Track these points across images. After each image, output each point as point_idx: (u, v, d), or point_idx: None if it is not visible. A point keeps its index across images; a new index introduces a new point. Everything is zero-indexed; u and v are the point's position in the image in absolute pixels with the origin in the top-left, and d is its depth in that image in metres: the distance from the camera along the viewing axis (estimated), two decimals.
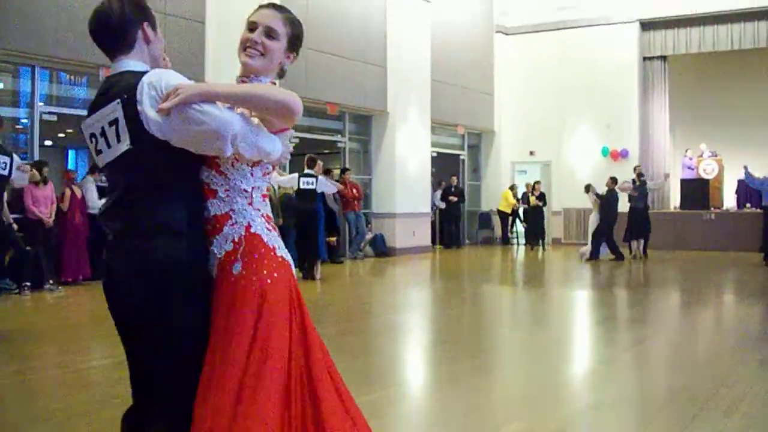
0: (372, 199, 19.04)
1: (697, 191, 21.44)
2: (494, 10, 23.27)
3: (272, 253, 2.62)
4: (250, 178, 2.64)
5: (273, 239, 2.65)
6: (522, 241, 22.74)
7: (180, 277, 2.48)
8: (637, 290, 12.56)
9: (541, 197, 21.66)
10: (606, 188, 17.44)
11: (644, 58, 22.66)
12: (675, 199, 22.64)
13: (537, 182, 21.93)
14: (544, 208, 21.71)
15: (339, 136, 18.43)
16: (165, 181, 2.54)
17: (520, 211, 22.51)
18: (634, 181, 17.49)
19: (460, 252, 20.60)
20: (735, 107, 24.30)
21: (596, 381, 6.15)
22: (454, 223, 21.72)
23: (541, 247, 20.96)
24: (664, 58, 22.77)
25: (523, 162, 23.83)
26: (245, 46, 2.74)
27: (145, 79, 2.48)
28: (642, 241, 17.56)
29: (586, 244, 17.23)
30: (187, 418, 2.49)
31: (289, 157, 2.80)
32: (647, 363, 6.97)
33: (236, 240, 2.58)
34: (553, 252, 20.78)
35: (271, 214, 2.76)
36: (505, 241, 22.52)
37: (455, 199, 21.14)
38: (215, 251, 2.60)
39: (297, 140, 17.12)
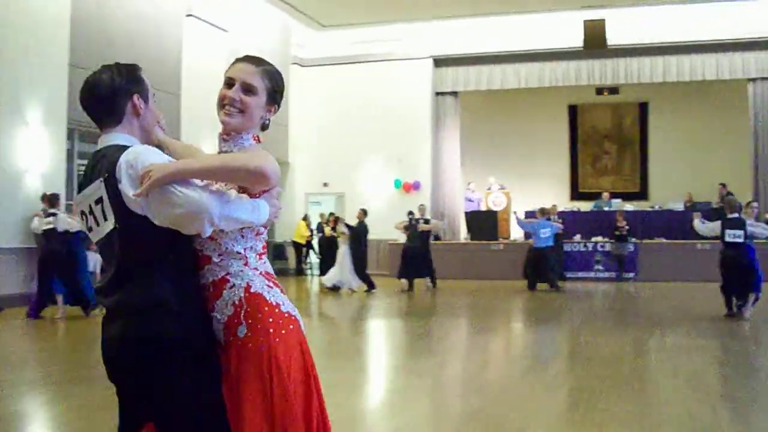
0: None
1: (486, 222, 23.29)
2: (291, 42, 24.31)
3: (277, 311, 2.79)
4: (241, 240, 2.80)
5: (275, 296, 2.82)
6: (316, 272, 23.74)
7: (172, 353, 2.64)
8: (429, 319, 13.24)
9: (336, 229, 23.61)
10: (357, 220, 18.79)
11: (437, 94, 24.56)
12: (463, 230, 24.53)
13: (331, 214, 23.76)
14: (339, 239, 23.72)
15: None
16: (154, 257, 2.69)
17: (314, 242, 23.80)
18: (410, 220, 18.57)
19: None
20: (521, 142, 27.22)
21: (392, 409, 6.67)
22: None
23: None
24: (455, 93, 24.81)
25: (317, 193, 25.06)
26: (223, 103, 2.89)
27: (122, 157, 2.65)
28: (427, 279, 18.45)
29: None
30: None
31: (278, 215, 2.90)
32: (441, 389, 7.62)
33: (236, 302, 2.76)
34: None
35: (271, 271, 2.92)
36: (299, 272, 23.71)
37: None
38: (218, 316, 2.78)
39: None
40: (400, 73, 24.11)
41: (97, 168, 2.74)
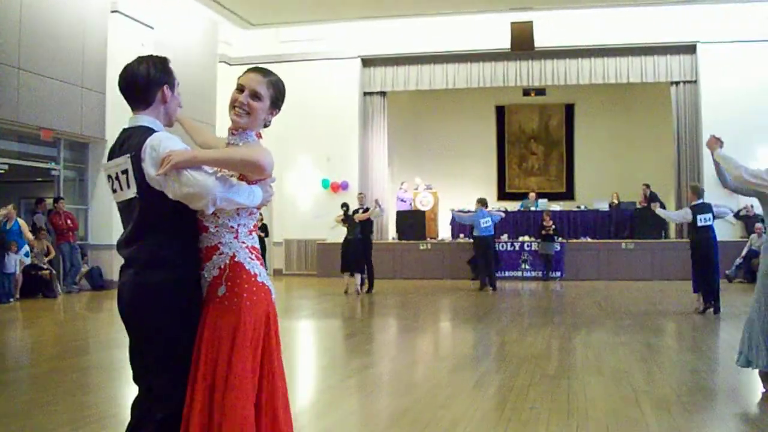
0: (88, 230, 19.15)
1: (414, 222, 23.47)
2: (218, 40, 24.07)
3: (253, 279, 3.42)
4: (236, 218, 3.42)
5: (254, 267, 3.44)
6: None
7: (169, 298, 3.30)
8: (357, 319, 13.38)
9: (263, 228, 23.58)
10: None
11: (364, 93, 24.61)
12: (393, 230, 24.60)
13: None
14: (266, 239, 23.59)
15: (53, 163, 18.33)
16: (163, 223, 3.33)
17: None
18: (345, 212, 17.68)
19: None
20: (449, 142, 27.42)
21: (321, 409, 6.70)
22: None
23: None
24: (383, 93, 24.85)
25: None
26: (234, 105, 3.55)
27: (148, 141, 3.28)
28: (358, 276, 17.42)
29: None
30: (176, 409, 3.32)
31: (270, 199, 3.55)
32: (370, 389, 7.61)
33: (222, 267, 3.37)
34: (275, 283, 22.14)
35: (257, 246, 3.54)
36: None
37: None
38: (205, 275, 3.40)
39: (6, 167, 17.37)
40: (328, 73, 24.08)
41: (126, 144, 3.39)
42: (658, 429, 5.74)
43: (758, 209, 21.07)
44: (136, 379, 3.58)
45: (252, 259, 3.47)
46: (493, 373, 8.09)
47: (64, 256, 17.78)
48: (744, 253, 19.80)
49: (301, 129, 23.48)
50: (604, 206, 23.79)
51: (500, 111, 28.61)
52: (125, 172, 3.37)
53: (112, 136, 18.44)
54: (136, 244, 3.38)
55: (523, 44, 22.83)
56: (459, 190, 26.12)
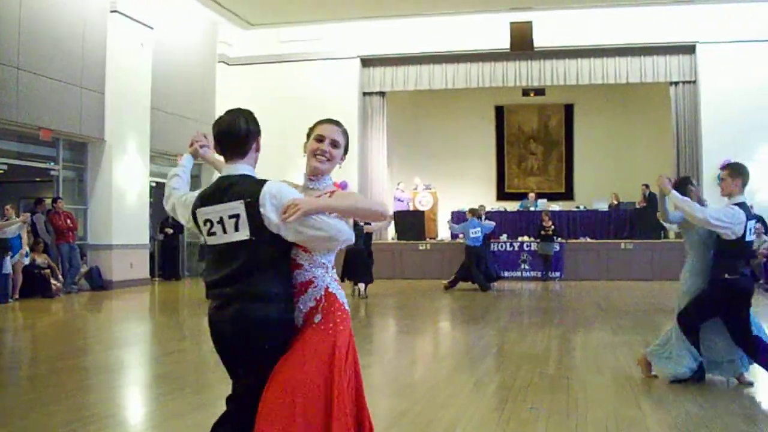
0: (88, 230, 19.14)
1: (414, 222, 23.46)
2: (217, 40, 24.22)
3: (343, 308, 3.74)
4: (326, 255, 3.74)
5: (342, 297, 3.77)
6: None
7: (275, 329, 3.59)
8: (356, 320, 13.01)
9: None
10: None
11: (364, 93, 24.60)
12: (392, 230, 24.38)
13: None
14: None
15: (52, 163, 18.34)
16: (269, 262, 3.60)
17: None
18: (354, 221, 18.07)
19: (179, 284, 20.98)
20: (448, 142, 27.50)
21: None
22: (173, 255, 22.39)
23: None
24: (382, 94, 24.87)
25: None
26: (316, 153, 3.85)
27: (266, 189, 3.54)
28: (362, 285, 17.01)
29: None
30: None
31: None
32: (369, 389, 7.18)
33: (317, 298, 3.67)
34: None
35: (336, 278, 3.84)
36: None
37: (171, 231, 21.73)
38: (300, 307, 3.67)
39: (5, 167, 17.46)
40: (327, 73, 24.05)
41: (232, 190, 3.63)
42: (657, 429, 5.74)
43: (757, 210, 21.08)
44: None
45: (340, 290, 3.80)
46: (493, 373, 8.10)
47: (63, 256, 17.74)
48: None
49: (301, 129, 22.81)
50: (604, 206, 23.81)
51: (499, 111, 28.64)
52: (235, 216, 3.61)
53: (111, 136, 18.61)
54: (244, 282, 3.61)
55: (522, 44, 22.84)
56: (458, 190, 26.15)
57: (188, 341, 11.23)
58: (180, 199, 4.00)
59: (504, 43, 22.92)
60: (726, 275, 7.19)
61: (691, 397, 6.85)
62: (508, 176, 28.63)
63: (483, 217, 19.79)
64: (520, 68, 23.91)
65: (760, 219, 20.42)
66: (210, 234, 3.71)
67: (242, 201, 3.58)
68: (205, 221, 3.72)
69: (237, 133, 3.73)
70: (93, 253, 19.08)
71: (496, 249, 22.01)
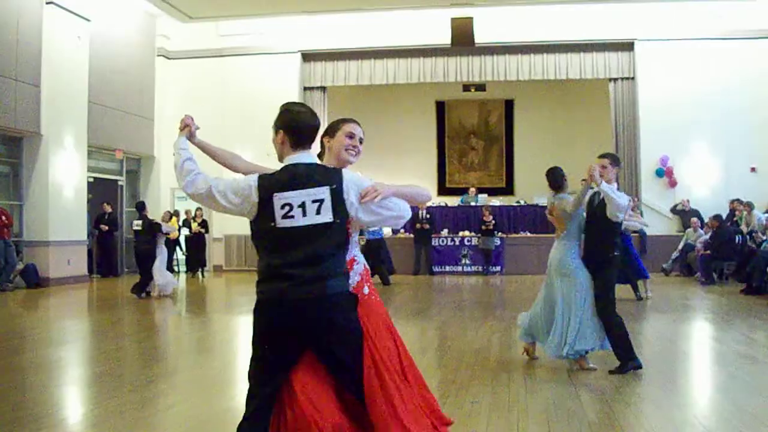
0: (23, 227, 18.79)
1: None
2: (156, 33, 24.00)
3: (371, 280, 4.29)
4: (356, 236, 4.20)
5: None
6: (183, 268, 23.66)
7: (350, 304, 3.92)
8: None
9: (203, 224, 23.43)
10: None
11: (305, 88, 24.48)
12: None
13: (198, 209, 23.49)
14: (206, 235, 23.23)
15: None
16: (343, 243, 3.96)
17: (181, 239, 23.22)
18: None
19: (117, 281, 20.65)
20: (389, 138, 27.39)
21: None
22: (111, 251, 22.03)
23: (201, 274, 22.53)
24: (323, 89, 24.78)
25: None
26: (347, 148, 4.26)
27: (347, 177, 3.93)
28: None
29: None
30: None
31: None
32: None
33: (361, 273, 4.17)
34: (215, 279, 21.86)
35: None
36: (168, 268, 23.56)
37: (107, 227, 21.29)
38: (349, 282, 4.01)
39: None
40: (268, 67, 23.90)
41: (316, 177, 3.91)
42: (597, 420, 5.84)
43: (693, 204, 21.57)
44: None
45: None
46: (435, 368, 8.12)
47: None
48: (680, 246, 20.18)
49: (241, 124, 23.33)
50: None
51: (440, 106, 28.78)
52: (319, 201, 3.88)
53: (47, 130, 18.28)
54: (326, 261, 3.88)
55: (463, 40, 22.97)
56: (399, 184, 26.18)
57: (127, 339, 11.08)
58: (226, 184, 4.00)
59: (445, 38, 23.05)
60: (615, 252, 7.88)
61: (630, 389, 6.97)
62: (449, 171, 28.79)
63: None
64: (461, 64, 24.05)
65: (695, 213, 20.91)
66: (286, 217, 3.87)
67: (328, 187, 3.88)
68: (284, 205, 3.87)
69: (316, 125, 4.08)
70: (29, 249, 18.77)
71: (437, 244, 22.15)
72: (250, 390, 4.01)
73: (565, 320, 7.80)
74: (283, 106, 4.17)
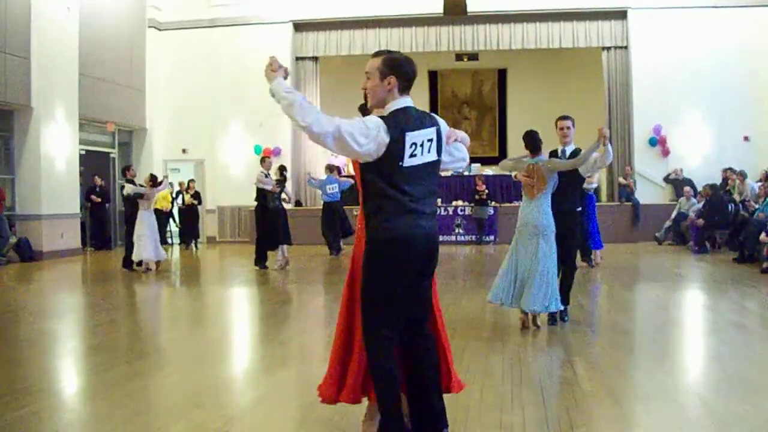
0: (15, 200, 18.74)
1: (351, 187, 23.71)
2: (147, 4, 23.75)
3: None
4: None
5: None
6: (177, 240, 23.65)
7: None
8: (292, 287, 13.33)
9: (196, 196, 23.42)
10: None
11: (297, 58, 24.44)
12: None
13: (191, 181, 23.57)
14: (199, 207, 23.31)
15: None
16: (438, 178, 4.40)
17: (175, 211, 23.43)
18: (285, 176, 16.90)
19: (111, 254, 20.58)
20: None
21: (258, 376, 6.76)
22: (104, 224, 22.06)
23: (194, 246, 22.52)
24: (315, 59, 24.72)
25: (176, 160, 24.65)
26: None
27: (440, 121, 4.40)
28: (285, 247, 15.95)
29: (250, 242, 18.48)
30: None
31: None
32: (306, 355, 7.72)
33: None
34: (209, 251, 21.95)
35: None
36: (162, 241, 23.58)
37: (99, 200, 21.32)
38: None
39: None
40: (259, 38, 23.63)
41: (427, 120, 4.32)
42: (591, 388, 5.89)
43: (686, 173, 21.59)
44: (401, 323, 4.33)
45: None
46: None
47: None
48: (673, 215, 20.21)
49: (233, 95, 23.31)
50: None
51: (433, 76, 28.65)
52: (430, 141, 4.24)
53: (38, 103, 18.19)
54: (435, 196, 4.41)
55: (455, 9, 22.81)
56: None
57: (121, 311, 11.11)
58: (352, 125, 4.08)
59: (437, 7, 22.88)
60: (580, 208, 8.61)
61: (623, 358, 7.03)
62: None
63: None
64: (454, 33, 23.98)
65: (688, 182, 20.94)
66: (412, 156, 4.16)
67: (435, 128, 4.29)
68: (412, 144, 4.16)
69: (415, 71, 4.42)
70: (22, 223, 18.73)
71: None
72: (376, 332, 4.23)
73: (545, 276, 8.06)
74: (386, 54, 4.35)
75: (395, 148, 4.10)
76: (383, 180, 4.13)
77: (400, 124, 4.14)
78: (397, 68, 4.29)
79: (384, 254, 4.17)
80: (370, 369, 4.32)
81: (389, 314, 4.22)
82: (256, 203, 15.92)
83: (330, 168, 18.74)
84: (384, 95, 4.27)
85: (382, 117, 4.17)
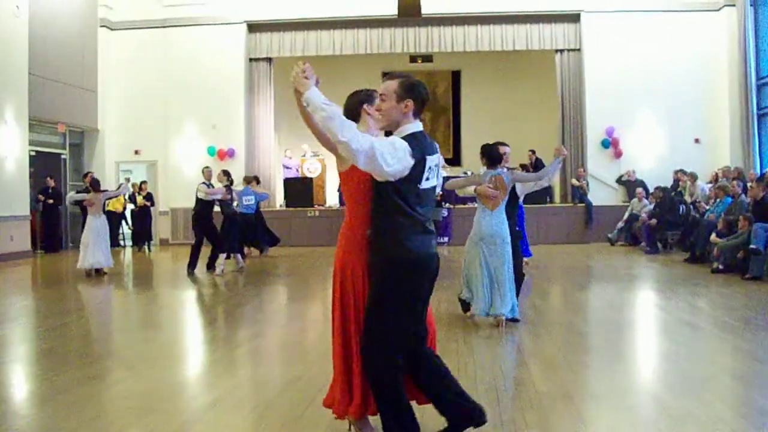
0: None
1: (302, 190, 23.38)
2: (98, 4, 23.44)
3: None
4: None
5: None
6: (129, 242, 23.40)
7: None
8: (246, 289, 13.23)
9: (149, 197, 23.18)
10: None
11: (250, 59, 24.26)
12: (280, 198, 24.53)
13: (144, 182, 23.34)
14: (152, 209, 23.02)
15: None
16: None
17: (127, 212, 23.17)
18: (231, 181, 16.48)
19: (62, 256, 20.33)
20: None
21: (212, 379, 6.72)
22: (55, 226, 21.63)
23: (147, 248, 22.22)
24: (269, 60, 24.56)
25: (128, 161, 24.34)
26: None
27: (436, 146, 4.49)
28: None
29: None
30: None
31: None
32: (261, 357, 7.71)
33: None
34: (162, 253, 21.72)
35: None
36: (114, 243, 23.36)
37: (51, 201, 20.98)
38: None
39: None
40: (213, 38, 23.58)
41: (434, 144, 4.48)
42: (545, 389, 5.91)
43: (639, 175, 21.85)
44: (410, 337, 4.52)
45: None
46: None
47: None
48: (626, 217, 20.43)
49: (186, 95, 23.16)
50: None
51: (387, 77, 28.58)
52: (437, 165, 4.45)
53: None
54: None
55: (410, 11, 22.88)
56: None
57: (72, 315, 10.98)
58: (383, 145, 4.18)
59: (392, 9, 22.94)
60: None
61: (577, 358, 7.08)
62: None
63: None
64: (408, 35, 24.01)
65: (641, 184, 21.19)
66: (427, 179, 4.35)
67: (438, 153, 4.48)
68: (429, 167, 4.34)
69: (427, 96, 4.53)
70: None
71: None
72: (394, 336, 4.37)
73: (512, 281, 8.53)
74: (405, 78, 4.46)
75: (416, 170, 4.26)
76: (398, 199, 4.28)
77: (421, 147, 4.29)
78: (415, 92, 4.40)
79: (408, 272, 4.33)
80: (383, 396, 4.40)
81: (405, 336, 4.43)
82: (195, 210, 16.21)
83: (247, 180, 18.42)
84: (399, 118, 4.39)
85: (405, 137, 4.32)
